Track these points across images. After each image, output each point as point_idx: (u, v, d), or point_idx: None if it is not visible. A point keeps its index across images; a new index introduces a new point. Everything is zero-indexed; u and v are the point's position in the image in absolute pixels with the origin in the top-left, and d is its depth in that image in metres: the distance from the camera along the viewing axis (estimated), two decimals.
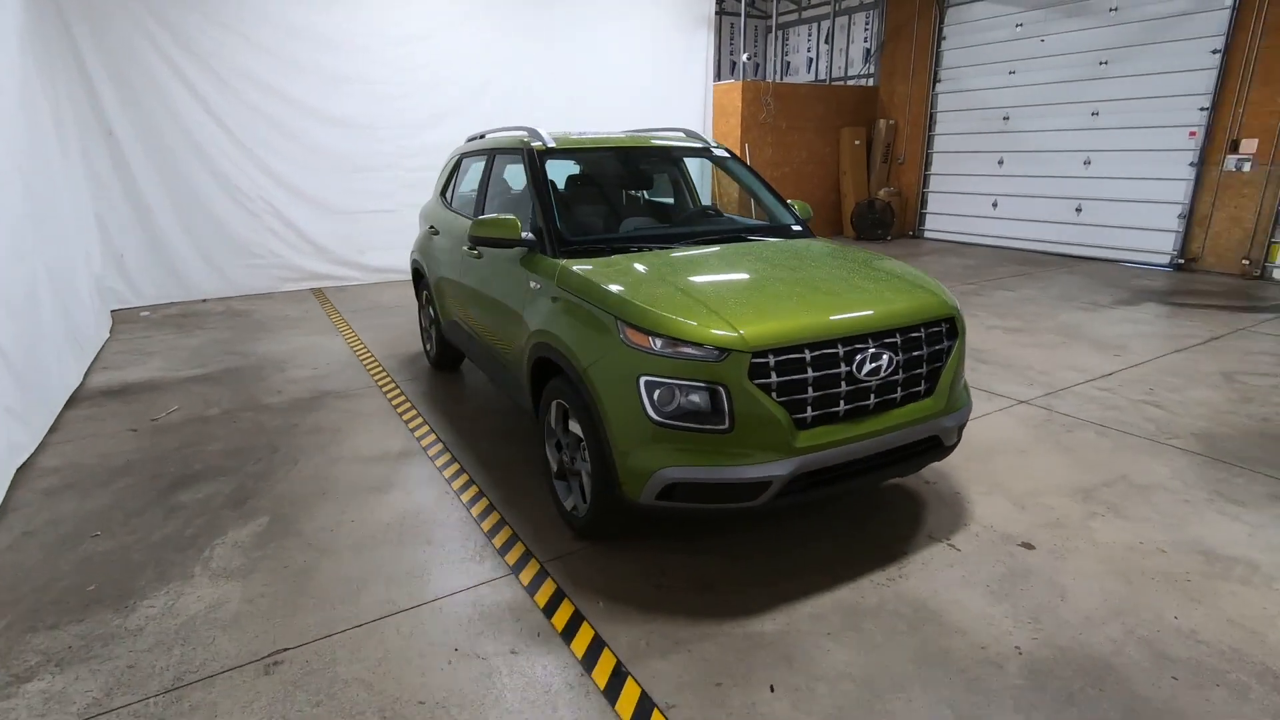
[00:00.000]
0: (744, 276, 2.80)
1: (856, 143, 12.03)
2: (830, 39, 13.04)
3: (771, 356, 2.35)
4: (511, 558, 2.79)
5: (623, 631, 2.35)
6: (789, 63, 14.08)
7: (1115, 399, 4.42)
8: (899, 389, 2.59)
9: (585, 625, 2.38)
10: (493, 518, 3.09)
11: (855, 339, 2.47)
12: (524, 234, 3.16)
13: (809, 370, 2.40)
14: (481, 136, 4.65)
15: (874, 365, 2.49)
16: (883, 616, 2.42)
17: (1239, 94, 8.11)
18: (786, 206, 3.81)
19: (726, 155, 4.03)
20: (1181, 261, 8.81)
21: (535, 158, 3.51)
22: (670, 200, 4.34)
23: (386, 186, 8.31)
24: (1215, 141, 8.38)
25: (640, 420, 2.38)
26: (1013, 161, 10.51)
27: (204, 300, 7.62)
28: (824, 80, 13.14)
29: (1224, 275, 8.40)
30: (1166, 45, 8.64)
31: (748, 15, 12.59)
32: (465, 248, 3.89)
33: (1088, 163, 9.61)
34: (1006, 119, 10.49)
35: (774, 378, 2.35)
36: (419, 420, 4.22)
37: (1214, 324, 6.20)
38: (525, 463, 3.62)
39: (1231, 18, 8.04)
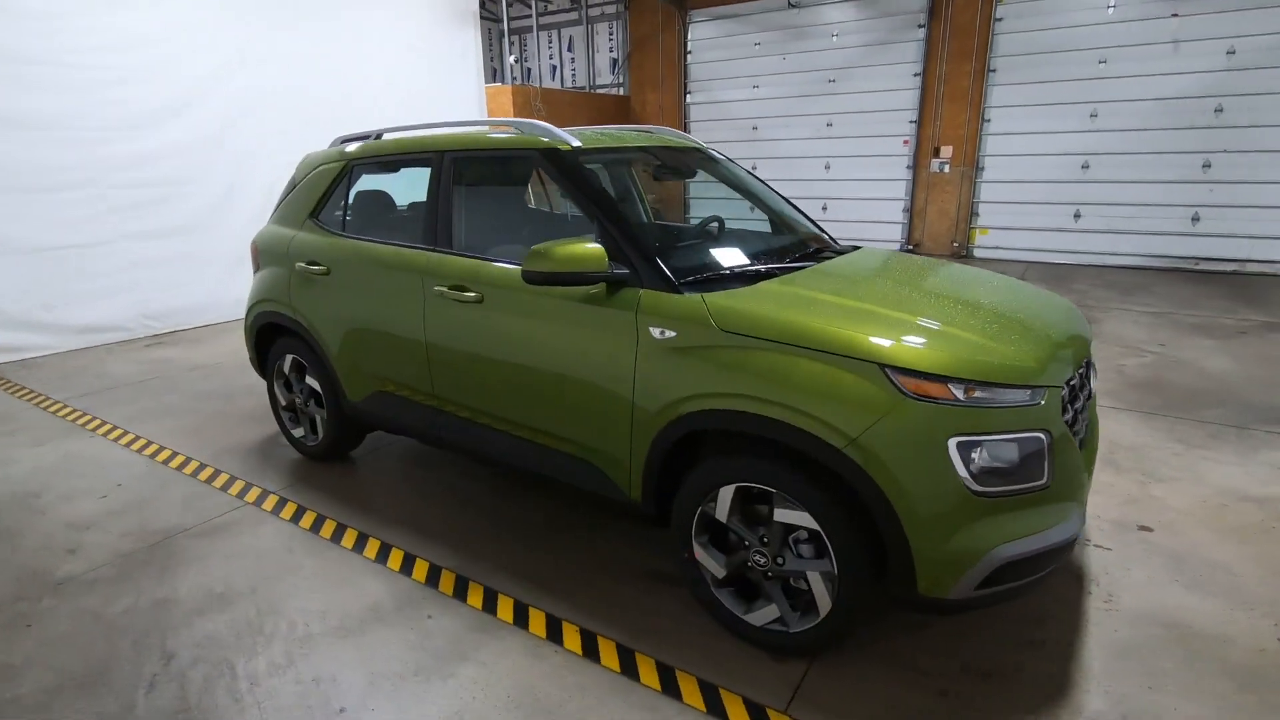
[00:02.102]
0: (938, 302, 2.34)
1: None
2: (579, 46, 12.92)
3: (1065, 389, 2.00)
4: (735, 713, 1.98)
5: None
6: (529, 69, 13.62)
7: None
8: None
9: None
10: (646, 665, 2.19)
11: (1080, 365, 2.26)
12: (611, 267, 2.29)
13: (1072, 404, 2.11)
14: (376, 136, 3.38)
15: (1087, 389, 2.31)
16: (1156, 649, 2.24)
17: (935, 109, 10.00)
18: (809, 218, 3.45)
19: (720, 158, 3.52)
20: (910, 248, 10.62)
21: (570, 162, 2.59)
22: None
23: (85, 210, 5.82)
24: (923, 148, 10.24)
25: (954, 493, 1.83)
26: (765, 168, 11.57)
27: None
28: (581, 88, 12.98)
29: (941, 256, 10.34)
30: (878, 68, 10.27)
31: (483, 18, 11.80)
32: (443, 289, 2.75)
33: (828, 167, 11.02)
34: (755, 129, 11.51)
35: (1068, 413, 2.01)
36: (375, 544, 2.90)
37: None
38: (614, 572, 2.69)
39: (924, 47, 9.87)
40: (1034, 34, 9.14)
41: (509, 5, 12.61)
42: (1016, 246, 9.83)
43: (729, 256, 2.73)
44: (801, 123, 10.99)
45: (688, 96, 12.05)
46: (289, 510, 3.19)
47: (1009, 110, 9.55)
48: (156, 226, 6.27)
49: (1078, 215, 9.39)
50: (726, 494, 2.17)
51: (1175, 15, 8.19)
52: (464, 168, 2.91)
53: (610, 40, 12.64)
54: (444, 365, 2.85)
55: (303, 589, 2.61)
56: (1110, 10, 8.63)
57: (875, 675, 2.14)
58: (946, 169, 10.13)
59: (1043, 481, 1.90)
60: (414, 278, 2.88)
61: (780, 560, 2.13)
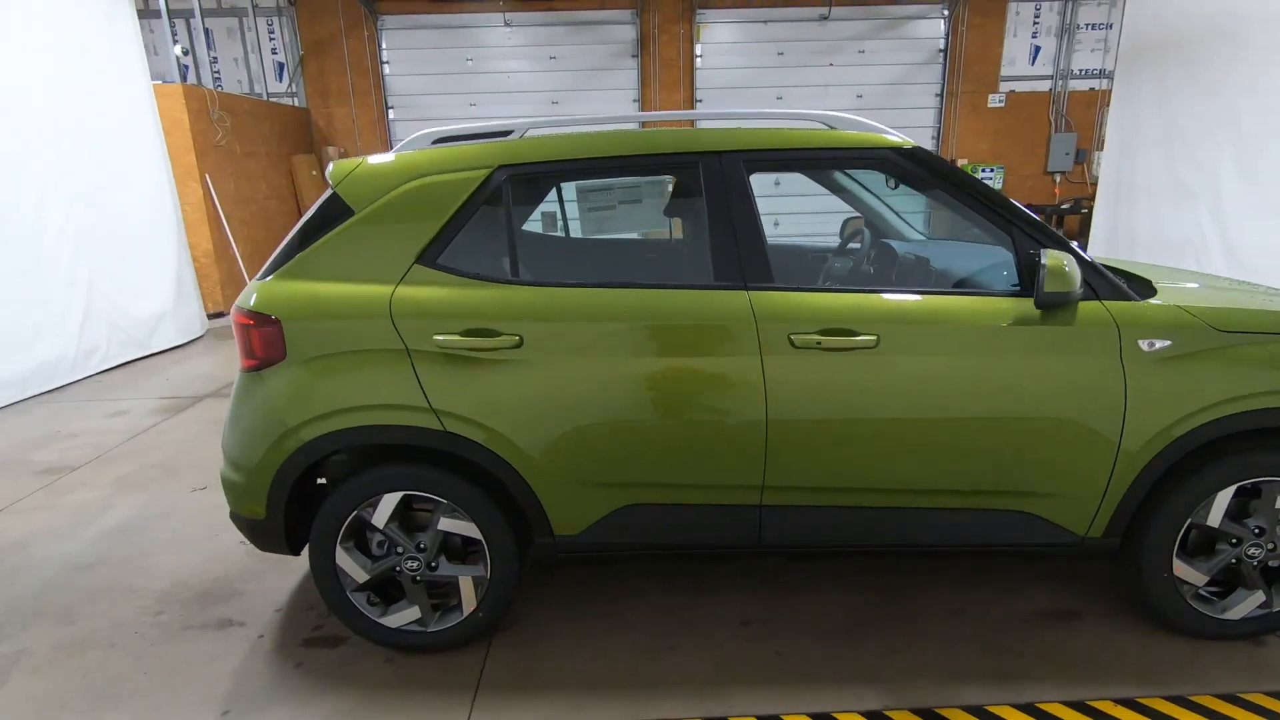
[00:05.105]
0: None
1: (314, 173, 10.06)
2: (224, 44, 10.18)
3: None
4: None
5: None
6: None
7: None
8: None
9: None
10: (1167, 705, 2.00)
11: None
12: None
13: None
14: (505, 134, 2.23)
15: None
16: None
17: None
18: None
19: None
20: None
21: (939, 161, 2.15)
22: None
23: None
24: None
25: None
26: None
27: None
28: (258, 95, 10.24)
29: None
30: (599, 92, 10.66)
31: None
32: (812, 336, 1.99)
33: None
34: None
35: None
36: None
37: None
38: (1018, 631, 2.31)
39: (639, 75, 10.58)
40: (728, 71, 10.63)
41: None
42: None
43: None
44: None
45: (390, 113, 10.64)
46: None
47: None
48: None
49: (776, 224, 11.27)
50: (1224, 497, 2.11)
51: (831, 64, 10.49)
52: (759, 174, 2.15)
53: (273, 40, 10.35)
54: (800, 442, 2.06)
55: None
56: (780, 55, 10.58)
57: None
58: None
59: None
60: (740, 328, 2.01)
61: (1274, 545, 2.17)
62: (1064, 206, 10.57)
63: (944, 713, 1.99)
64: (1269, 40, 5.56)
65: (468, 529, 2.15)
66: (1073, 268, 1.91)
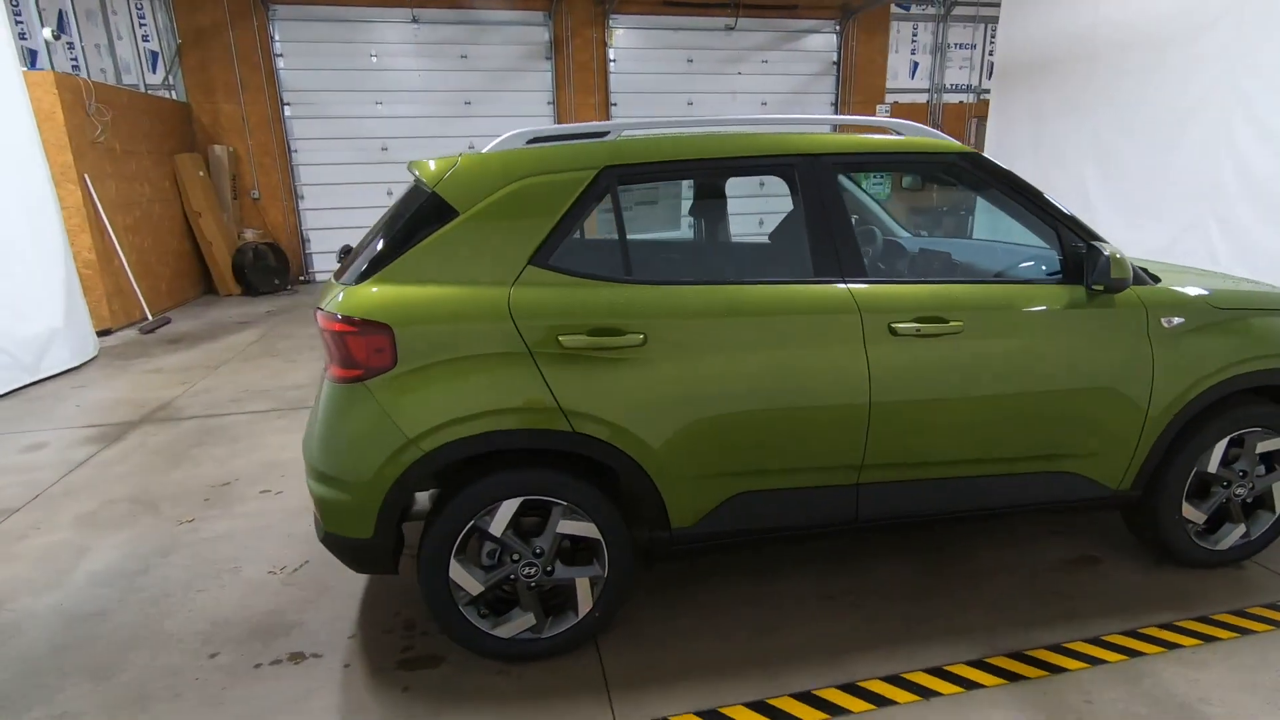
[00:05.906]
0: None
1: (201, 173, 9.18)
2: (79, 27, 9.00)
3: None
4: None
5: None
6: None
7: None
8: None
9: None
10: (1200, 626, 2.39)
11: None
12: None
13: None
14: (600, 134, 2.24)
15: None
16: None
17: None
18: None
19: None
20: None
21: (990, 166, 2.39)
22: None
23: None
24: None
25: None
26: (401, 192, 10.47)
27: None
28: (135, 87, 9.10)
29: None
30: (514, 94, 10.50)
31: None
32: (912, 325, 2.17)
33: None
34: (385, 149, 10.28)
35: None
36: (880, 689, 2.10)
37: None
38: (1047, 582, 2.61)
39: (553, 78, 10.54)
40: (641, 76, 10.84)
41: None
42: None
43: None
44: (442, 145, 10.35)
45: (285, 109, 9.90)
46: None
47: None
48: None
49: (760, 223, 11.62)
50: (1221, 447, 2.52)
51: (739, 73, 10.97)
52: (848, 176, 2.30)
53: (143, 25, 9.31)
54: (897, 422, 2.23)
55: None
56: (690, 62, 10.93)
57: None
58: None
59: None
60: (845, 321, 2.15)
61: (1253, 485, 2.61)
62: (944, 210, 11.70)
63: (1033, 653, 2.24)
64: (1119, 62, 6.52)
65: (586, 529, 2.14)
66: (1124, 257, 2.23)
